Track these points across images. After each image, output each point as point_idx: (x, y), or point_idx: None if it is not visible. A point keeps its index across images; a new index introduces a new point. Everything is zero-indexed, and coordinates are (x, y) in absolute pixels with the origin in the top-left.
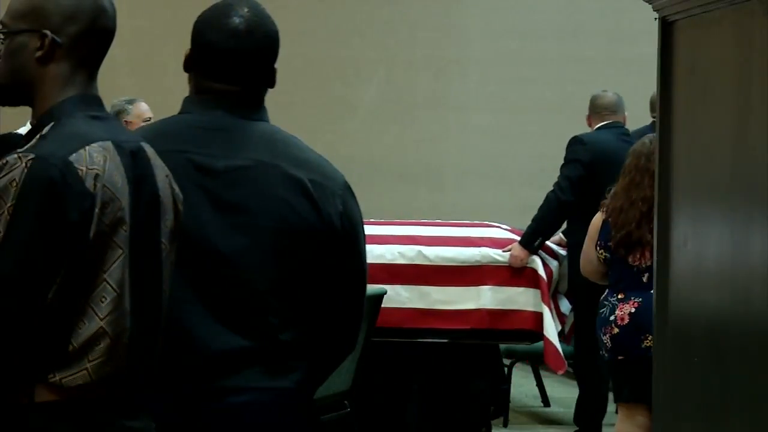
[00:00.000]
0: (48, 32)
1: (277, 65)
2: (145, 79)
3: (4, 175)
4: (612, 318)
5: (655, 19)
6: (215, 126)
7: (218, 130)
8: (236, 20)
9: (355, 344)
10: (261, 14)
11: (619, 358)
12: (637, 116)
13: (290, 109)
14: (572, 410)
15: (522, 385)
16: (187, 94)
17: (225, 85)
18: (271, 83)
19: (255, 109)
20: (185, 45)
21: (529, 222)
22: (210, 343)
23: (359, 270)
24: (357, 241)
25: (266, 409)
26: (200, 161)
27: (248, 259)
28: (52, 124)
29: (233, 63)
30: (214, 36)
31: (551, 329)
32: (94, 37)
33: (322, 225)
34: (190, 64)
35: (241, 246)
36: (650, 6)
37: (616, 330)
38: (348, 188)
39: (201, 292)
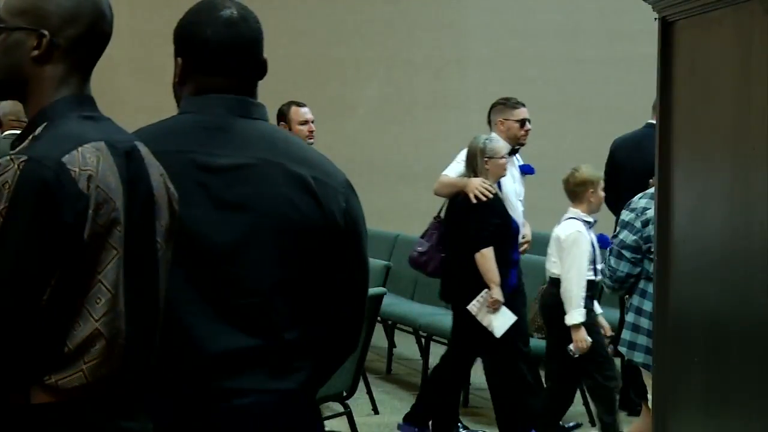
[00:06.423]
0: (46, 33)
1: (275, 65)
2: (145, 79)
3: None
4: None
5: (655, 19)
6: (216, 125)
7: (219, 129)
8: (227, 12)
9: (357, 343)
10: (242, 4)
11: None
12: (637, 116)
13: None
14: (572, 410)
15: None
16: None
17: (224, 79)
18: (263, 73)
19: (254, 105)
20: None
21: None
22: (213, 342)
23: (361, 267)
24: (359, 238)
25: (270, 411)
26: (203, 160)
27: (251, 258)
28: (45, 124)
29: (234, 53)
30: (211, 31)
31: None
32: (92, 41)
33: (325, 222)
34: (183, 75)
35: (245, 244)
36: (650, 6)
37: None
38: (350, 186)
39: (205, 292)
